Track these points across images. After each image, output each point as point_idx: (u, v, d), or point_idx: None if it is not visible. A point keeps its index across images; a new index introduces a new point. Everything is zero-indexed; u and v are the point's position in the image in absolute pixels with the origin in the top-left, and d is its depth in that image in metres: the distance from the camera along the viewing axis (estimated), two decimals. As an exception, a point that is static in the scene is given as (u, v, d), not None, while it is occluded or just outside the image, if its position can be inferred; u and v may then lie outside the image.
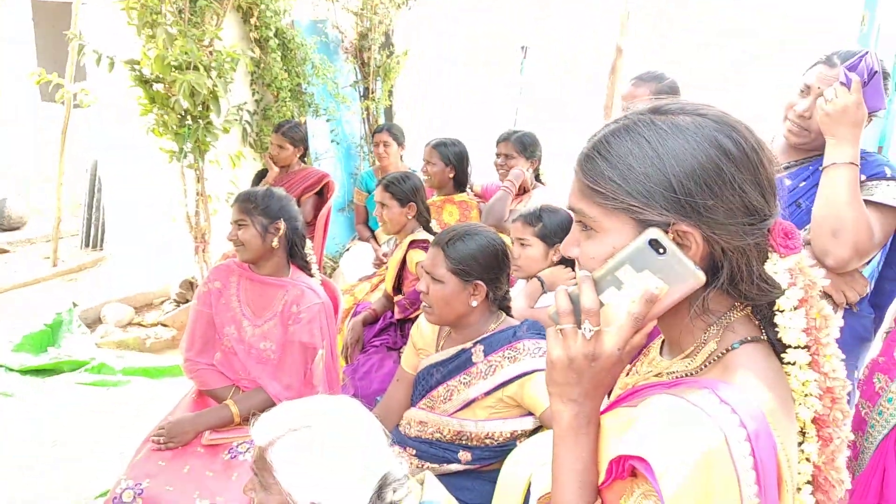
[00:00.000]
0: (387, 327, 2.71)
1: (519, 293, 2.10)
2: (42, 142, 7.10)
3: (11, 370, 3.60)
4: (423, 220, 2.77)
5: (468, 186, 3.32)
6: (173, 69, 3.50)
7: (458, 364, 1.76)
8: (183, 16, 3.57)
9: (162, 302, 4.42)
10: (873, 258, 1.74)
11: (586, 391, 0.81)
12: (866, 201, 1.62)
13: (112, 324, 4.17)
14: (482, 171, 3.60)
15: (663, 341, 0.93)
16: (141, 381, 3.57)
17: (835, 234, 1.59)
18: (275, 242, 2.19)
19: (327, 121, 4.73)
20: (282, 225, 2.19)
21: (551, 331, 0.82)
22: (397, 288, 2.76)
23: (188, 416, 2.16)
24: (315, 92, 4.50)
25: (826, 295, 1.69)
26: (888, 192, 1.65)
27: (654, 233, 0.76)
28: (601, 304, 0.79)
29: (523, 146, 3.07)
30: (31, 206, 6.84)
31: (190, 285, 4.27)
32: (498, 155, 3.16)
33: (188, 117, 3.70)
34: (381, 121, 5.03)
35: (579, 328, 0.79)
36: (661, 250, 0.75)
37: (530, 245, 2.15)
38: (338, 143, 4.86)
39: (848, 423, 0.81)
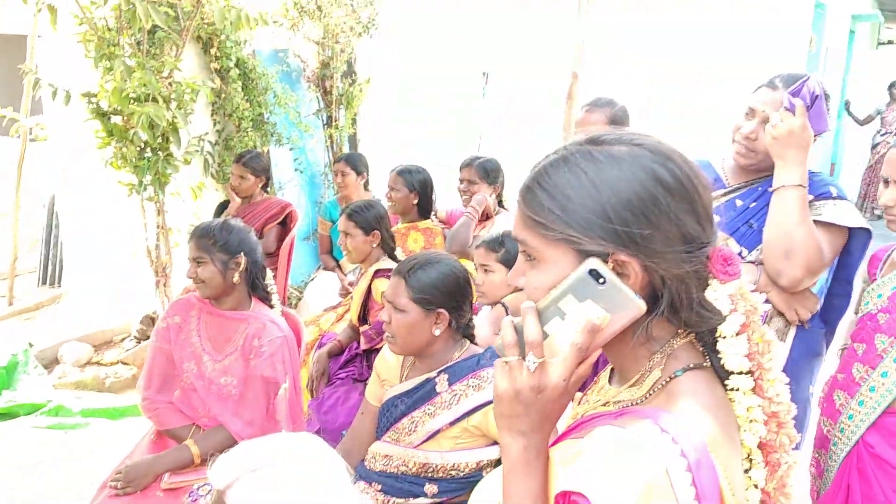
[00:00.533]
0: (353, 358, 2.68)
1: (483, 320, 2.09)
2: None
3: (-35, 415, 3.46)
4: (388, 249, 2.76)
5: (433, 213, 3.32)
6: (131, 101, 3.46)
7: (423, 394, 1.73)
8: (141, 47, 3.54)
9: (122, 339, 4.31)
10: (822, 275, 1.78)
11: (534, 423, 0.80)
12: (815, 221, 1.67)
13: (70, 363, 4.04)
14: (447, 198, 3.61)
15: (612, 369, 0.93)
16: (100, 422, 3.45)
17: (787, 255, 1.62)
18: (235, 277, 2.14)
19: (290, 150, 4.70)
20: (242, 259, 2.14)
21: (498, 363, 0.82)
22: (363, 318, 2.73)
23: (146, 459, 2.09)
24: (277, 121, 4.48)
25: (779, 313, 1.72)
26: (835, 212, 1.69)
27: (593, 263, 0.76)
28: (545, 335, 0.79)
29: (485, 172, 3.10)
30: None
31: (151, 321, 4.17)
32: (461, 181, 3.18)
33: (147, 149, 3.65)
34: (346, 148, 5.03)
35: (525, 359, 0.79)
36: (601, 280, 0.76)
37: (493, 271, 2.15)
38: (301, 172, 4.83)
39: (805, 447, 0.82)
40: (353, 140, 5.24)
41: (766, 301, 1.66)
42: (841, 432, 1.66)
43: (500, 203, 3.17)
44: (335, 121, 4.83)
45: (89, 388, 3.80)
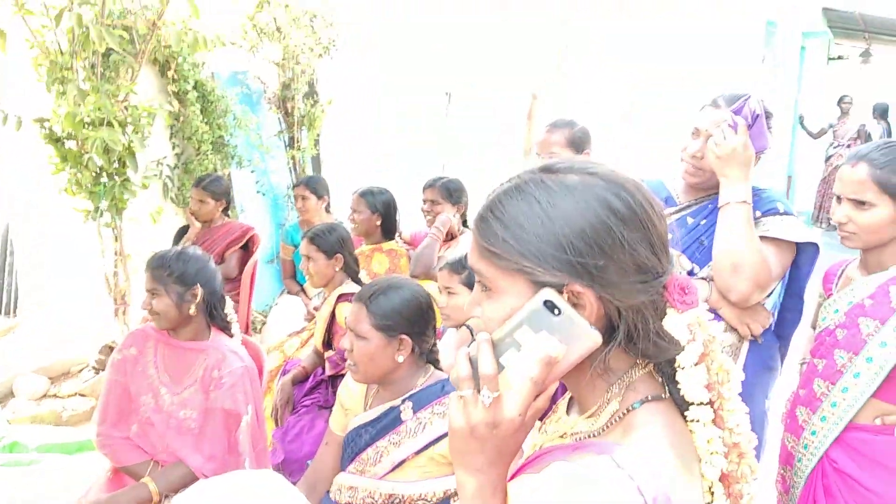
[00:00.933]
0: (318, 385, 2.62)
1: (447, 344, 2.07)
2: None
3: None
4: (352, 272, 2.72)
5: (397, 234, 3.29)
6: (86, 126, 3.38)
7: (387, 423, 1.70)
8: (95, 71, 3.47)
9: (80, 370, 4.17)
10: (774, 290, 1.81)
11: (490, 459, 0.78)
12: (763, 237, 1.69)
13: (25, 397, 3.90)
14: (413, 219, 3.59)
15: (571, 398, 0.92)
16: (56, 458, 3.32)
17: (735, 271, 1.64)
18: (192, 309, 2.08)
19: (252, 172, 4.64)
20: (199, 290, 2.09)
21: (452, 397, 0.79)
22: (327, 343, 2.68)
23: (101, 499, 2.01)
24: (238, 143, 4.43)
25: (731, 328, 1.74)
26: (782, 227, 1.72)
27: (548, 294, 0.75)
28: (500, 368, 0.77)
29: (448, 192, 3.09)
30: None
31: (110, 350, 4.05)
32: (424, 201, 3.16)
33: (103, 174, 3.56)
34: (309, 170, 4.98)
35: (480, 393, 0.77)
36: (556, 311, 0.75)
37: (457, 293, 2.13)
38: (264, 195, 4.77)
39: (765, 462, 0.81)
40: (316, 161, 5.20)
41: (718, 317, 1.69)
42: (805, 448, 1.67)
43: (464, 223, 3.16)
44: (297, 142, 4.79)
45: (46, 422, 3.67)
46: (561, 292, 0.75)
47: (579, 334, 0.75)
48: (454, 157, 5.32)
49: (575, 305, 0.75)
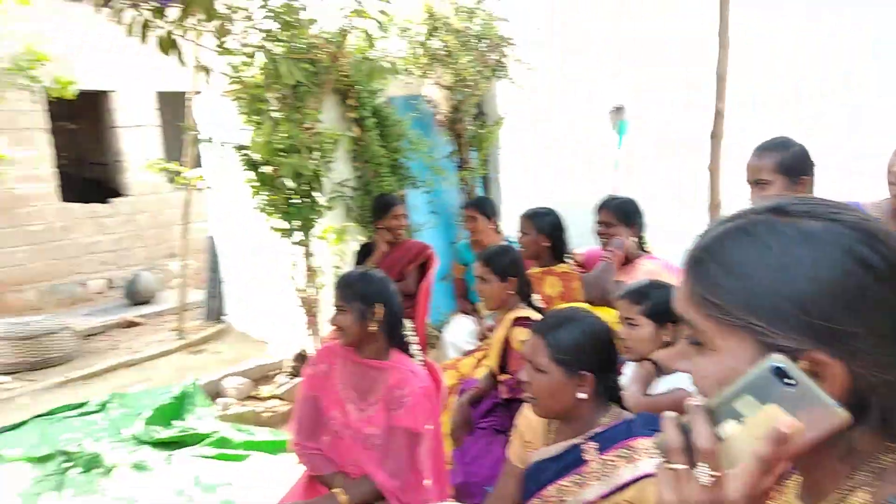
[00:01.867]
0: (494, 408, 2.64)
1: (630, 378, 1.99)
2: (166, 221, 7.70)
3: (145, 442, 3.82)
4: (525, 295, 2.72)
5: (569, 255, 3.23)
6: (279, 153, 3.71)
7: (570, 462, 1.66)
8: (286, 102, 3.79)
9: (276, 374, 4.58)
10: None
11: None
12: None
13: (232, 397, 4.34)
14: (585, 240, 3.49)
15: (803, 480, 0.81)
16: (260, 455, 3.67)
17: None
18: (373, 327, 2.20)
19: (425, 192, 4.84)
20: (380, 309, 2.20)
21: (661, 469, 0.70)
22: (502, 366, 2.70)
23: (298, 509, 2.17)
24: (412, 165, 4.62)
25: None
26: None
27: (779, 360, 0.64)
28: (719, 440, 0.67)
29: (623, 214, 2.93)
30: (159, 281, 7.38)
31: (302, 358, 4.40)
32: (598, 223, 3.05)
33: (295, 196, 3.89)
34: (478, 190, 5.08)
35: (693, 467, 0.68)
36: (788, 381, 0.64)
37: (638, 325, 2.04)
38: (437, 214, 4.96)
39: None
40: (486, 181, 5.30)
41: None
42: None
43: (641, 246, 2.99)
44: (467, 163, 4.91)
45: (248, 422, 4.05)
46: (796, 359, 0.65)
47: (819, 411, 0.64)
48: (627, 175, 5.15)
49: (814, 375, 0.65)
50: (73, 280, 7.30)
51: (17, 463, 3.67)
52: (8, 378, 5.14)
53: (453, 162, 5.02)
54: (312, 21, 3.64)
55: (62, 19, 6.45)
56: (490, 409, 2.66)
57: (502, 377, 2.65)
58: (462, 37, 4.61)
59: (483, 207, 3.93)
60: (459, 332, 3.82)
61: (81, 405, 4.43)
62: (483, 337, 3.43)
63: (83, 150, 8.44)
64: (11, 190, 6.59)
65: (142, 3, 2.81)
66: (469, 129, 4.85)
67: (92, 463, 3.61)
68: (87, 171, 8.38)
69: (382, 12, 3.70)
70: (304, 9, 3.58)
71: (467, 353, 3.22)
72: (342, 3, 3.69)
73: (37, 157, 6.88)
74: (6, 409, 4.58)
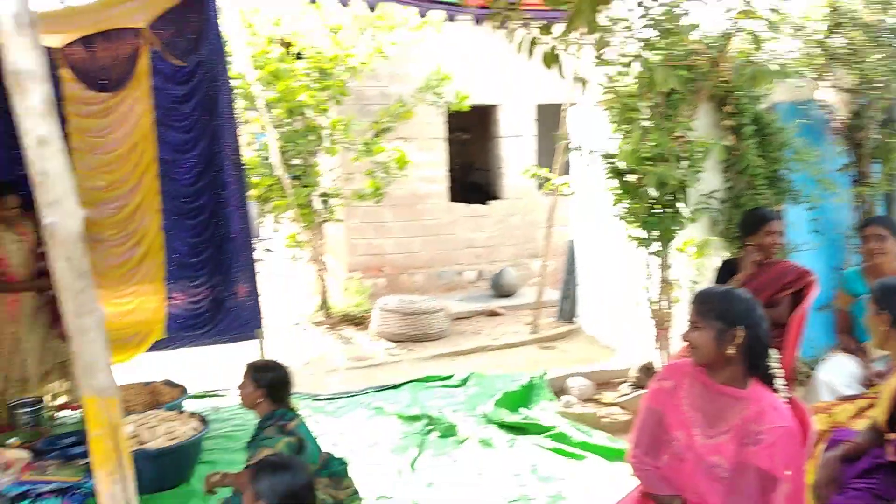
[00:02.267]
0: (874, 469, 2.21)
1: None
2: (533, 223, 8.30)
3: (492, 422, 4.20)
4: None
5: None
6: (645, 161, 3.68)
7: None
8: (658, 110, 3.74)
9: (620, 382, 4.57)
10: None
11: None
12: None
13: (574, 396, 4.48)
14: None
15: None
16: (595, 459, 3.71)
17: None
18: (730, 350, 2.03)
19: (809, 209, 4.27)
20: (740, 332, 2.02)
21: None
22: (892, 422, 2.23)
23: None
24: (795, 178, 4.13)
25: None
26: None
27: None
28: None
29: None
30: (521, 278, 8.02)
31: (647, 370, 4.31)
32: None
33: (656, 206, 3.83)
34: (879, 209, 4.29)
35: None
36: None
37: None
38: (820, 234, 4.34)
39: None
40: (888, 199, 4.45)
41: None
42: None
43: None
44: (866, 177, 4.19)
45: (587, 423, 4.13)
46: None
47: None
48: None
49: None
50: (453, 269, 8.38)
51: (392, 418, 4.37)
52: (394, 345, 6.17)
53: (848, 175, 4.37)
54: (694, 26, 3.52)
55: (458, 40, 7.41)
56: (869, 468, 2.23)
57: (890, 435, 2.20)
58: (872, 31, 3.94)
59: (894, 226, 3.29)
60: (838, 372, 3.26)
61: (447, 378, 5.09)
62: (869, 383, 2.90)
63: (471, 157, 9.64)
64: (415, 189, 7.85)
65: (531, 22, 3.06)
66: (873, 137, 4.12)
67: (449, 431, 4.11)
68: (472, 176, 9.54)
69: (774, 10, 3.38)
70: (687, 13, 3.47)
71: (846, 399, 2.75)
72: (728, 5, 3.48)
73: (435, 162, 8.08)
74: (391, 371, 5.53)
